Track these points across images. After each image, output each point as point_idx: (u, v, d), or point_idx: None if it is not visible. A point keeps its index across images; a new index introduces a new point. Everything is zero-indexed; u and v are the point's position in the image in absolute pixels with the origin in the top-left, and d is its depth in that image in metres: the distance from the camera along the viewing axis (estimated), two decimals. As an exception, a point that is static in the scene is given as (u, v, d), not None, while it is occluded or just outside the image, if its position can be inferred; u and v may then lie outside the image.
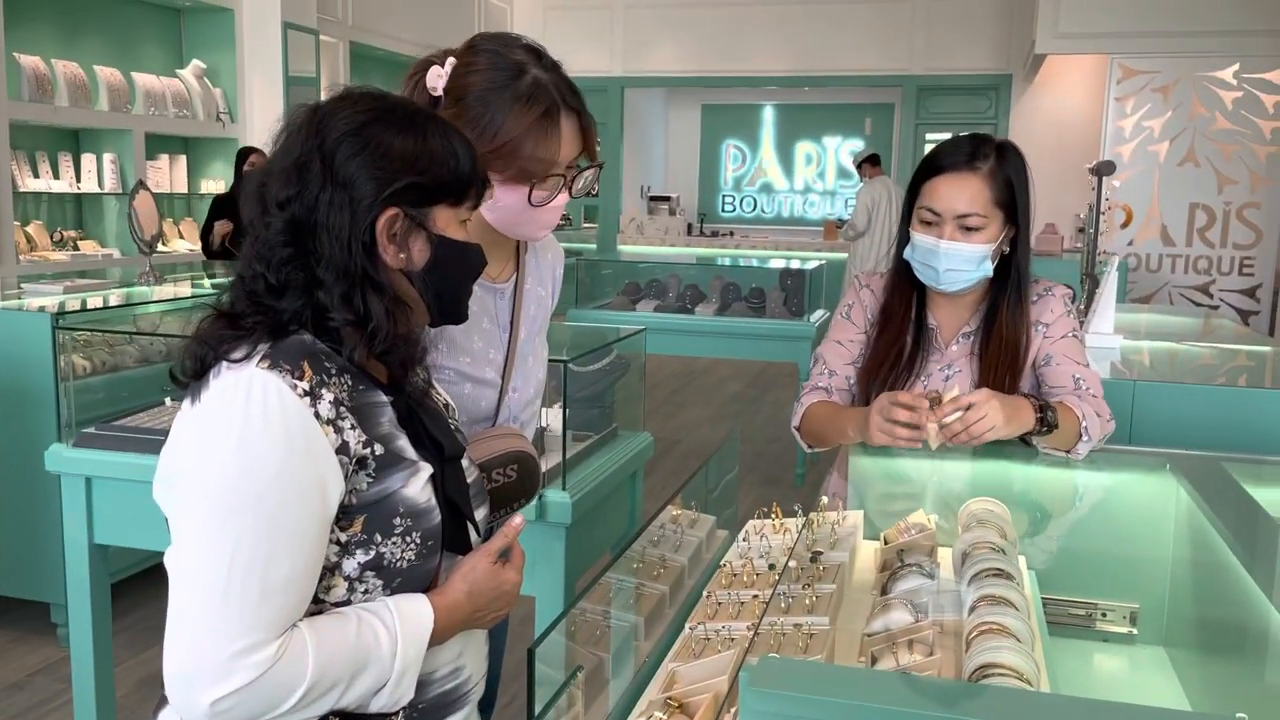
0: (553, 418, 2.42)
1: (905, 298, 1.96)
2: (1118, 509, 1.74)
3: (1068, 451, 1.79)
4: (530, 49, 1.54)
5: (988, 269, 1.85)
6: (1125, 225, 7.72)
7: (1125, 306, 4.34)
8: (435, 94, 1.51)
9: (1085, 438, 1.76)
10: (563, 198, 1.55)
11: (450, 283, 1.22)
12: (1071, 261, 7.01)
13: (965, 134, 1.92)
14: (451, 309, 1.26)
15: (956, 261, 1.83)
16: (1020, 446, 1.86)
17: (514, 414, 1.70)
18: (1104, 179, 3.54)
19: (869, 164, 8.28)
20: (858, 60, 9.33)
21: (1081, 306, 3.57)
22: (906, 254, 1.91)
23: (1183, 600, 1.62)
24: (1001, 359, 1.89)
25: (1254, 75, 7.46)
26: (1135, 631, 1.68)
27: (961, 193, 1.81)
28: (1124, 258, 7.17)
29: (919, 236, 1.86)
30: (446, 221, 1.20)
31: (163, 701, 1.21)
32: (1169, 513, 1.65)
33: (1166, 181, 7.70)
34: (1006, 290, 1.90)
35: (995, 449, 1.88)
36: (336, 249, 1.12)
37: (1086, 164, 4.66)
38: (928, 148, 8.86)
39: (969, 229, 1.82)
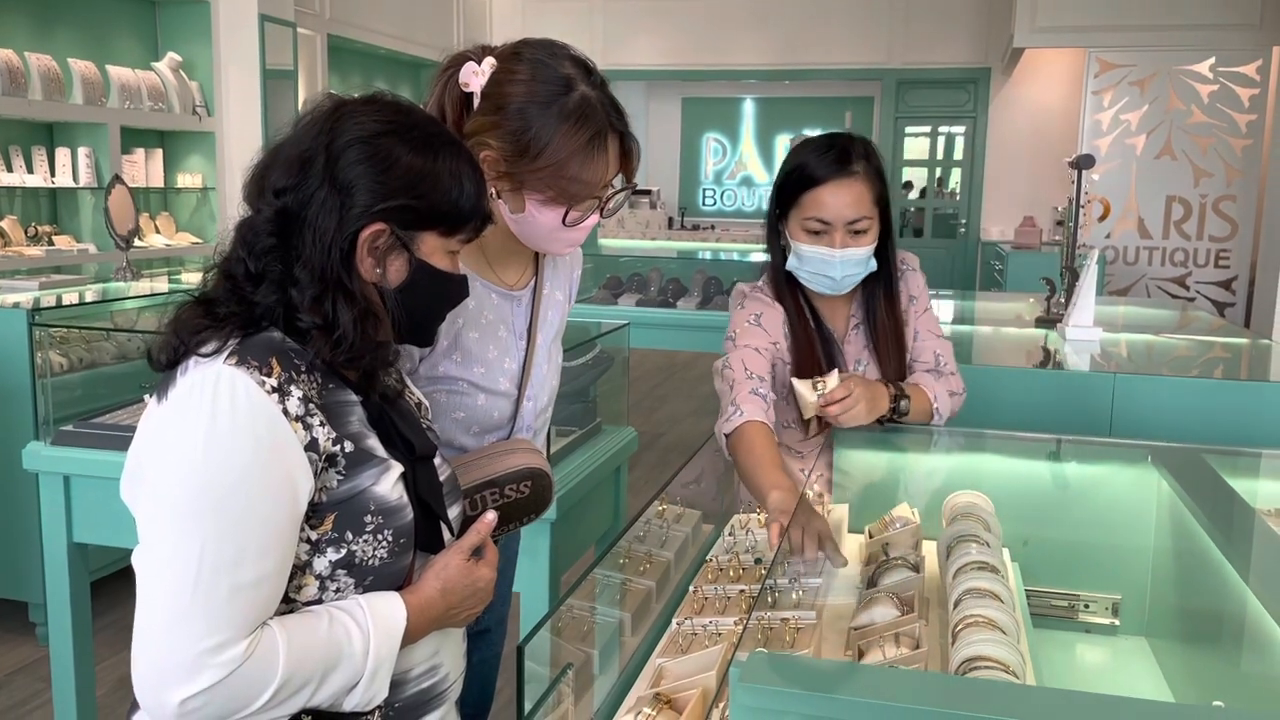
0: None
1: (798, 308, 1.95)
2: (1099, 500, 1.75)
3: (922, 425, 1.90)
4: (579, 62, 1.47)
5: (874, 264, 1.89)
6: (1103, 218, 7.77)
7: (1103, 299, 4.37)
8: (468, 90, 1.46)
9: (936, 416, 1.89)
10: (594, 218, 1.50)
11: (421, 307, 1.21)
12: (1050, 254, 7.05)
13: (821, 136, 1.89)
14: (418, 333, 1.24)
15: (850, 267, 1.85)
16: (1004, 440, 1.89)
17: (527, 423, 1.66)
18: (1083, 172, 3.56)
19: None
20: (837, 54, 9.33)
21: (1061, 299, 3.60)
22: (791, 266, 1.90)
23: (1164, 590, 1.63)
24: (892, 347, 1.95)
25: (1230, 69, 7.52)
26: (1118, 622, 1.69)
27: (847, 197, 1.82)
28: (1102, 250, 7.22)
29: (808, 249, 1.85)
30: (433, 248, 1.19)
31: (135, 706, 1.18)
32: (1150, 504, 1.66)
33: (1143, 174, 7.76)
34: (879, 277, 1.92)
35: (977, 442, 1.90)
36: (317, 251, 1.12)
37: (1064, 157, 4.69)
38: (907, 141, 8.79)
39: (858, 232, 1.83)
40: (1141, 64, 7.65)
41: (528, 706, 1.08)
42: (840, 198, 1.82)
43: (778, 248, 1.93)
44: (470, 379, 1.57)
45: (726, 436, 1.81)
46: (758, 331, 1.92)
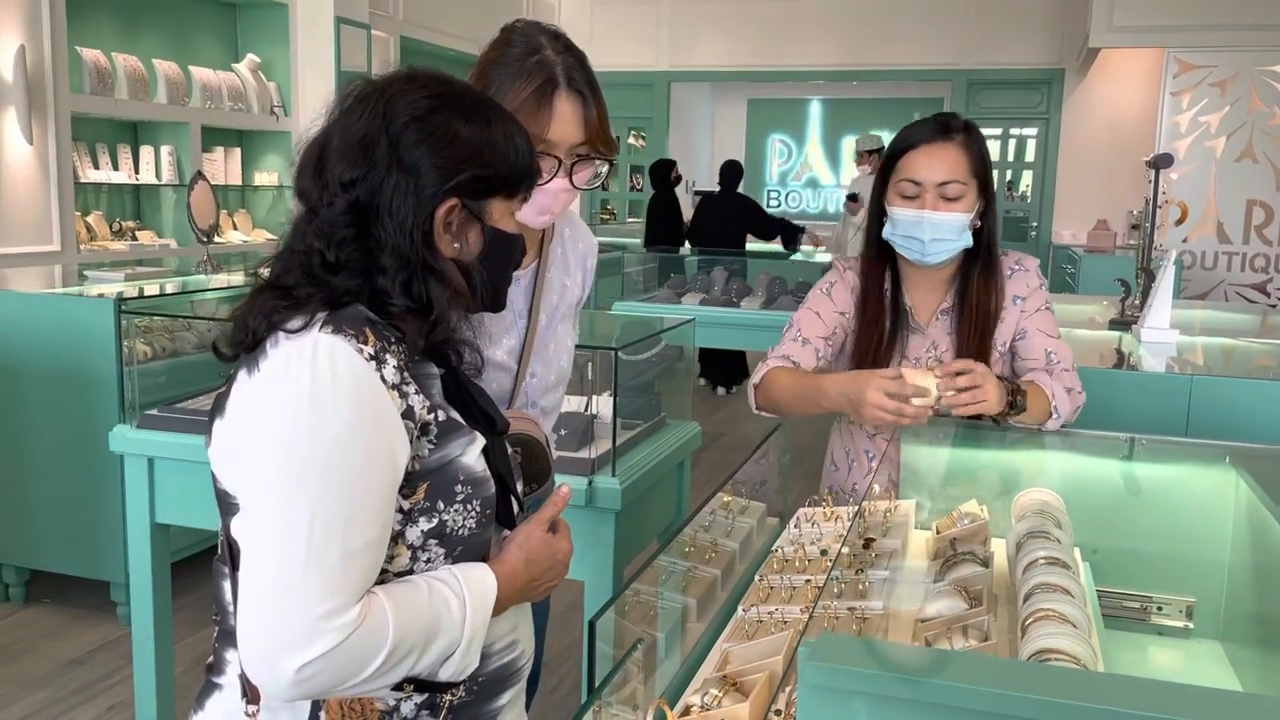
0: (603, 405, 2.44)
1: (879, 280, 1.98)
2: (1175, 501, 1.72)
3: (1039, 426, 1.86)
4: (556, 34, 1.54)
5: (968, 239, 1.90)
6: (1180, 222, 7.58)
7: (1180, 303, 4.26)
8: None
9: (1055, 415, 1.84)
10: (558, 183, 1.48)
11: (496, 273, 1.22)
12: (1124, 258, 6.90)
13: (930, 115, 1.96)
14: (494, 298, 1.25)
15: (941, 231, 1.87)
16: (1076, 438, 1.86)
17: (532, 399, 1.68)
18: (1160, 172, 3.49)
19: (876, 156, 7.96)
20: (907, 54, 9.24)
21: (1136, 301, 3.53)
22: (886, 233, 1.93)
23: (1241, 594, 1.60)
24: (974, 328, 1.94)
25: (1316, 69, 7.30)
26: (1191, 625, 1.66)
27: (941, 161, 1.86)
28: (1179, 255, 7.04)
29: (900, 211, 1.89)
30: (500, 214, 1.20)
31: (210, 688, 1.21)
32: (1228, 505, 1.63)
33: (1223, 177, 7.55)
34: (976, 259, 1.95)
35: (1048, 440, 1.87)
36: (400, 236, 1.12)
37: (1141, 159, 4.60)
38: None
39: (949, 198, 1.86)
40: (1222, 65, 7.45)
41: (597, 681, 1.10)
42: (934, 160, 1.86)
43: (877, 218, 1.96)
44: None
45: (755, 388, 1.95)
46: (824, 300, 2.01)
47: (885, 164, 1.94)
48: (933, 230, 1.86)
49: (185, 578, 3.56)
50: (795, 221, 8.14)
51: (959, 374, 1.72)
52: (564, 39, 1.54)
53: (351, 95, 1.17)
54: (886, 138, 11.74)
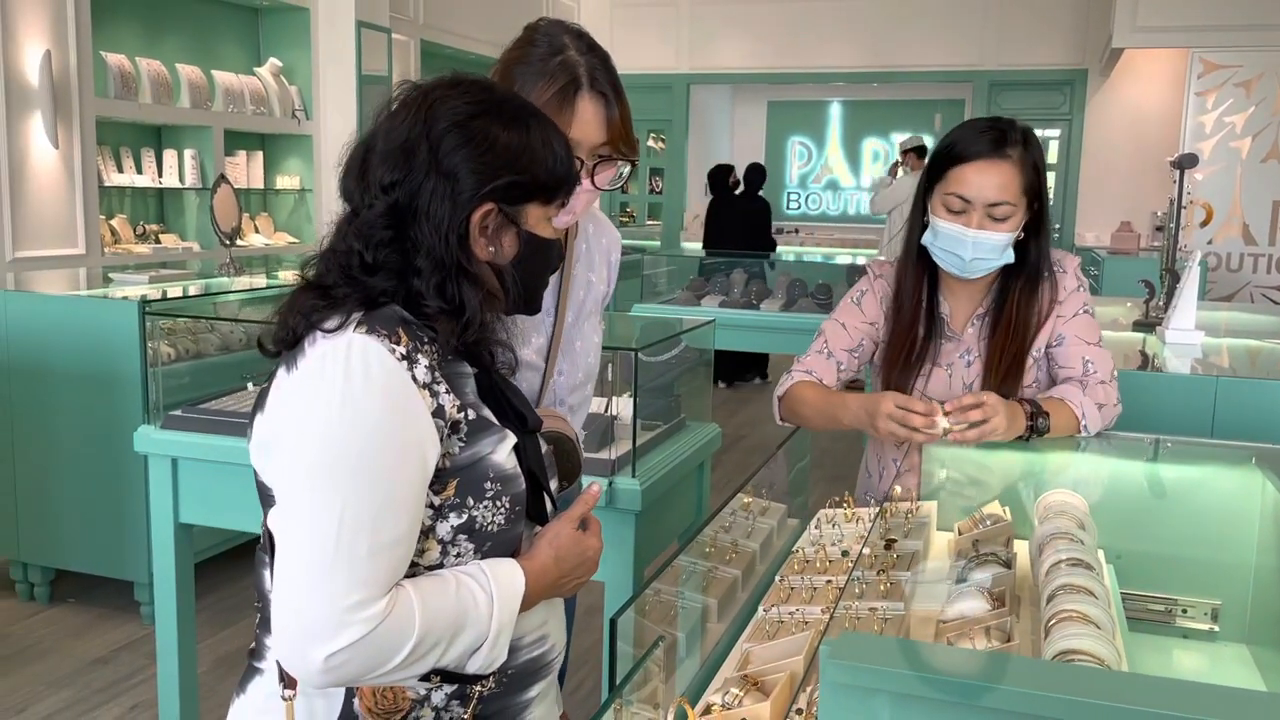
0: (623, 406, 2.44)
1: (916, 285, 1.94)
2: (1200, 503, 1.70)
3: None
4: (579, 34, 1.55)
5: (1010, 256, 1.86)
6: (1205, 223, 7.51)
7: (1205, 304, 4.22)
8: None
9: (1085, 433, 1.82)
10: (581, 183, 1.49)
11: (531, 277, 1.24)
12: (1148, 260, 6.84)
13: (984, 119, 1.90)
14: (528, 302, 1.27)
15: (983, 250, 1.82)
16: (1100, 440, 1.85)
17: (560, 397, 1.69)
18: (1185, 172, 3.46)
19: (915, 155, 8.02)
20: (928, 55, 9.19)
21: (1161, 303, 3.50)
22: (926, 240, 1.89)
23: (1267, 596, 1.58)
24: (1009, 341, 1.90)
25: (1343, 68, 7.21)
26: (1217, 628, 1.64)
27: (993, 180, 1.80)
28: (1204, 256, 6.98)
29: (944, 224, 1.83)
30: (537, 219, 1.22)
31: (251, 672, 1.25)
32: (1254, 507, 1.61)
33: (1249, 178, 7.48)
34: (1020, 272, 1.89)
35: (1071, 441, 1.86)
36: (436, 238, 1.15)
37: (1165, 160, 4.55)
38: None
39: (997, 219, 1.81)
40: (1248, 65, 7.38)
41: (619, 678, 1.10)
42: (985, 178, 1.79)
43: (919, 221, 1.91)
44: None
45: (779, 399, 1.98)
46: (853, 310, 2.01)
47: (934, 166, 1.87)
48: (975, 249, 1.82)
49: (209, 578, 3.60)
50: (815, 226, 8.23)
51: (971, 407, 1.71)
52: (588, 39, 1.55)
53: (397, 100, 1.21)
54: (898, 139, 11.81)
